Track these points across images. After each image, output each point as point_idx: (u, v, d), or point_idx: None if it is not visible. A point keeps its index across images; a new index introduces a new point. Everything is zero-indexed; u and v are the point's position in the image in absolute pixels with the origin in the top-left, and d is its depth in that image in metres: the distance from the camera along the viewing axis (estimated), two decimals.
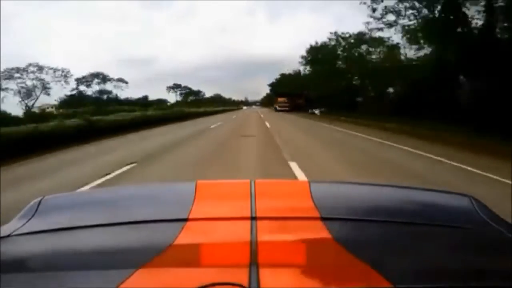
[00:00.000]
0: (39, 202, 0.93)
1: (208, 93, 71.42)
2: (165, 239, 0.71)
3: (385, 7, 17.39)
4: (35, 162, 8.14)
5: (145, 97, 41.83)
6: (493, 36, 12.77)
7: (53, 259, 0.69)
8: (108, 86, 38.50)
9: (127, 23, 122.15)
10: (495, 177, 5.49)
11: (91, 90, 37.59)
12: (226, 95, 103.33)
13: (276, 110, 39.24)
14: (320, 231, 0.76)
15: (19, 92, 33.73)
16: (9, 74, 31.52)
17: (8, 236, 0.78)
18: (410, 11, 16.87)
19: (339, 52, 30.47)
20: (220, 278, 0.54)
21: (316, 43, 34.07)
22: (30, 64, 35.12)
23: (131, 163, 6.93)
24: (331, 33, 31.21)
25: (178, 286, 0.56)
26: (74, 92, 36.02)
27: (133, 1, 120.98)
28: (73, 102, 32.89)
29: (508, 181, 5.03)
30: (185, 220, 0.81)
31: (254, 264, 0.62)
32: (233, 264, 0.63)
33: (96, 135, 12.63)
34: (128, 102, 34.67)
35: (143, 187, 1.48)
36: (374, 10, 17.73)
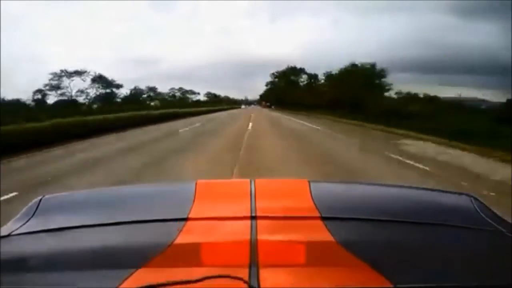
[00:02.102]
0: (39, 202, 0.93)
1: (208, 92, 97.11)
2: (165, 239, 0.71)
3: None
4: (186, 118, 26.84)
5: (198, 99, 71.87)
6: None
7: (53, 259, 0.69)
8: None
9: (131, 24, 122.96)
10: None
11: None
12: (229, 94, 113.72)
13: (261, 107, 74.56)
14: (320, 231, 0.76)
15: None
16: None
17: (8, 235, 0.78)
18: None
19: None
20: None
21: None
22: (172, 88, 63.22)
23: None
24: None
25: (178, 286, 0.56)
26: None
27: (139, 2, 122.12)
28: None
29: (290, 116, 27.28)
30: (185, 219, 0.81)
31: (254, 263, 0.62)
32: (233, 264, 0.63)
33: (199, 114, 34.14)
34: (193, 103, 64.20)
35: (143, 187, 1.48)
36: None
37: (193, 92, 67.64)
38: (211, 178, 3.05)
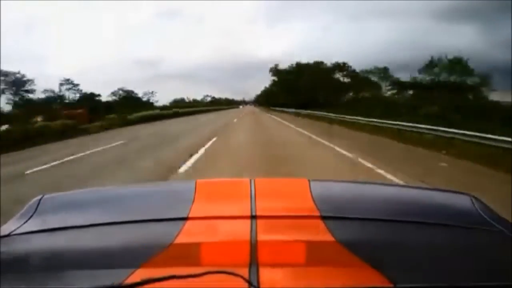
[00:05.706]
0: (39, 201, 0.93)
1: (211, 94, 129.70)
2: (165, 238, 0.71)
3: None
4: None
5: (220, 102, 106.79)
6: None
7: (53, 258, 0.69)
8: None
9: (136, 26, 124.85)
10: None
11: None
12: (228, 95, 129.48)
13: (254, 106, 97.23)
14: (320, 230, 0.76)
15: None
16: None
17: (8, 235, 0.78)
18: None
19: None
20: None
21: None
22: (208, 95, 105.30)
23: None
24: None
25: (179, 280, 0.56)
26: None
27: (146, 8, 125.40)
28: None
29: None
30: (185, 219, 0.80)
31: (254, 262, 0.62)
32: (233, 263, 0.62)
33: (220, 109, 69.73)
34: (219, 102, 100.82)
35: (143, 186, 1.47)
36: None
37: (220, 98, 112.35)
38: (234, 117, 28.87)
